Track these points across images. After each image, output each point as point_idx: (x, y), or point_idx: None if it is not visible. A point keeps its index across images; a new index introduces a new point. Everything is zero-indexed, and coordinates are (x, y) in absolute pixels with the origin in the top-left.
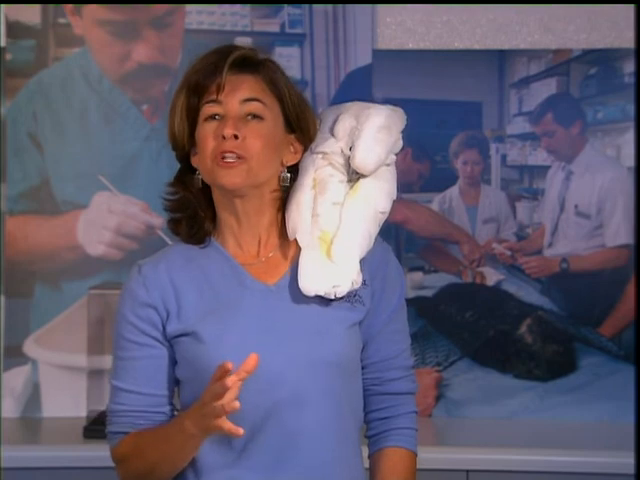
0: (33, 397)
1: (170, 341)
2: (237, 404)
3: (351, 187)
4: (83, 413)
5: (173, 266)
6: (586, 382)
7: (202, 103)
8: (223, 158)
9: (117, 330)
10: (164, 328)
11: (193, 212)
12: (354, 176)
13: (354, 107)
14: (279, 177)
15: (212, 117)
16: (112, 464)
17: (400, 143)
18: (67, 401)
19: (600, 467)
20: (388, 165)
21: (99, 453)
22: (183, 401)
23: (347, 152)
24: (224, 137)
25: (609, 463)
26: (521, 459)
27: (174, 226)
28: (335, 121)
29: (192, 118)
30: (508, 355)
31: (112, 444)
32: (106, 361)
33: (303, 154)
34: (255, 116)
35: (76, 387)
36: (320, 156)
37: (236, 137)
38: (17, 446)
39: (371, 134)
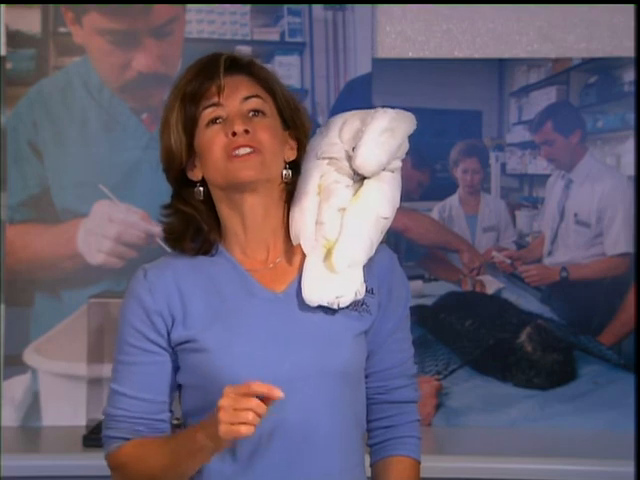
0: (33, 406)
1: (174, 348)
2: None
3: (354, 192)
4: (83, 422)
5: (180, 272)
6: (586, 391)
7: (201, 109)
8: (235, 155)
9: (120, 334)
10: (168, 335)
11: (196, 227)
12: (357, 178)
13: (361, 112)
14: (282, 174)
15: (213, 121)
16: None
17: (405, 147)
18: (67, 410)
19: (600, 476)
20: (393, 172)
21: (98, 462)
22: (185, 407)
23: (352, 154)
24: (234, 134)
25: (609, 472)
26: (521, 468)
27: (175, 244)
28: (342, 125)
29: (190, 129)
30: (508, 364)
31: (109, 449)
32: (106, 370)
33: (299, 151)
34: (257, 112)
35: (76, 396)
36: (326, 162)
37: (247, 132)
38: (17, 455)
39: (373, 136)
